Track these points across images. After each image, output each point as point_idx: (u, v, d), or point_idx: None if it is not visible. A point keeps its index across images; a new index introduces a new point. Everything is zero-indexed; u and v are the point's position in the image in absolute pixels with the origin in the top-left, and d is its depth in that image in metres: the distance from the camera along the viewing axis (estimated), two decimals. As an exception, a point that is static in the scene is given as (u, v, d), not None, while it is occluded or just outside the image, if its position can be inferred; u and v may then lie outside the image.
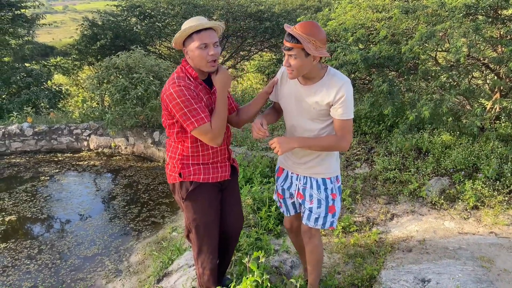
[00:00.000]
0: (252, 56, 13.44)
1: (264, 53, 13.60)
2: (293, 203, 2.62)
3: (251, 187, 4.58)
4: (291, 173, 2.52)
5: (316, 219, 2.43)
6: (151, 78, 6.91)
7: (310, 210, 2.43)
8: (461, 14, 4.03)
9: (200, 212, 2.44)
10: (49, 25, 12.76)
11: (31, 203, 5.49)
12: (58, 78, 14.08)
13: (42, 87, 10.97)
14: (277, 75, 2.47)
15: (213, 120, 2.24)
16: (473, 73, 5.41)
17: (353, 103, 2.22)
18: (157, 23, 10.73)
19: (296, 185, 2.49)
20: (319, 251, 2.57)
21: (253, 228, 3.79)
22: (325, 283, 2.91)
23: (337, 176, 2.47)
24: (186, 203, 2.44)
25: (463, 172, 4.36)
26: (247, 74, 14.44)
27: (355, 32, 4.86)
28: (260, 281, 2.48)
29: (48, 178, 6.45)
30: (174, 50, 12.76)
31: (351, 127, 2.27)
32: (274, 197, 2.77)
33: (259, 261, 2.57)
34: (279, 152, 2.19)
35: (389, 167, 4.73)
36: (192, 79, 2.29)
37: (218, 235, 2.58)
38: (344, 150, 2.27)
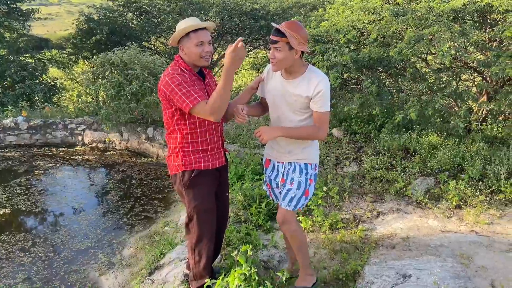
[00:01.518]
0: (248, 54, 13.51)
1: (259, 50, 13.67)
2: (280, 193, 2.79)
3: (242, 184, 4.68)
4: (277, 162, 2.74)
5: (291, 199, 2.62)
6: (146, 75, 6.98)
7: (288, 190, 2.63)
8: (449, 19, 4.15)
9: (200, 198, 2.61)
10: (44, 19, 12.75)
11: (25, 196, 5.56)
12: (53, 71, 14.08)
13: (37, 81, 10.98)
14: (263, 73, 2.71)
15: (212, 95, 2.36)
16: (462, 76, 5.54)
17: (329, 98, 2.46)
18: (152, 19, 10.77)
19: (282, 172, 2.71)
20: (298, 235, 2.74)
21: (243, 223, 3.90)
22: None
23: (315, 164, 2.71)
24: (188, 190, 2.59)
25: (447, 173, 4.49)
26: (242, 71, 14.51)
27: (347, 34, 4.96)
28: (247, 274, 2.58)
29: (42, 172, 6.52)
30: (169, 47, 12.81)
31: (328, 118, 2.54)
32: (264, 187, 2.98)
33: (247, 255, 2.68)
34: (264, 139, 2.42)
35: (377, 166, 4.85)
36: (186, 71, 2.48)
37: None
38: (321, 139, 2.57)
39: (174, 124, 2.54)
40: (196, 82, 2.49)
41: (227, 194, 2.93)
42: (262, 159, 5.46)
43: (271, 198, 2.96)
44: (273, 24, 2.40)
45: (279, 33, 2.30)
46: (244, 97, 2.72)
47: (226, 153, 2.85)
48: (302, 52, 2.41)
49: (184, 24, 2.43)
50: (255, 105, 2.80)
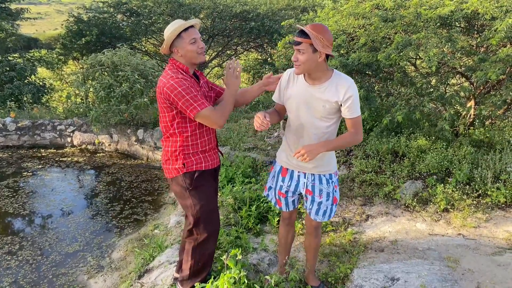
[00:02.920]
0: (239, 55, 13.54)
1: (250, 53, 13.71)
2: (293, 201, 2.81)
3: (232, 186, 4.69)
4: (298, 172, 2.66)
5: (324, 212, 2.64)
6: (136, 76, 6.96)
7: (319, 204, 2.62)
8: (436, 25, 4.21)
9: (205, 198, 2.66)
10: (34, 19, 12.64)
11: (13, 198, 5.50)
12: (42, 72, 13.95)
13: (25, 82, 10.87)
14: (282, 78, 2.64)
15: (219, 106, 2.51)
16: (450, 80, 5.62)
17: (359, 101, 2.43)
18: (143, 21, 10.74)
19: (304, 182, 2.65)
20: (320, 242, 2.89)
21: (233, 226, 3.91)
22: (301, 280, 3.05)
23: (336, 170, 2.71)
24: (193, 192, 2.62)
25: (435, 176, 4.55)
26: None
27: (337, 38, 5.01)
28: (237, 278, 2.59)
29: (30, 174, 6.46)
30: (160, 48, 12.78)
31: (361, 121, 2.50)
32: (270, 193, 2.87)
33: (237, 258, 2.69)
34: (307, 159, 2.32)
35: (366, 169, 4.90)
36: (184, 73, 2.51)
37: None
38: (359, 142, 2.52)
39: (175, 127, 2.55)
40: (194, 84, 2.51)
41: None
42: (252, 162, 5.50)
43: (278, 207, 2.86)
44: (297, 25, 2.35)
45: (303, 34, 2.24)
46: (254, 91, 2.76)
47: (220, 153, 2.90)
48: (327, 56, 2.34)
49: (172, 27, 2.46)
50: (272, 112, 2.69)
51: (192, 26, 2.51)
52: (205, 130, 2.63)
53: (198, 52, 2.49)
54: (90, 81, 7.41)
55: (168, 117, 2.53)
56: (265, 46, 12.52)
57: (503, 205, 4.11)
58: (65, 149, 7.86)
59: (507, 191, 4.10)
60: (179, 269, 2.96)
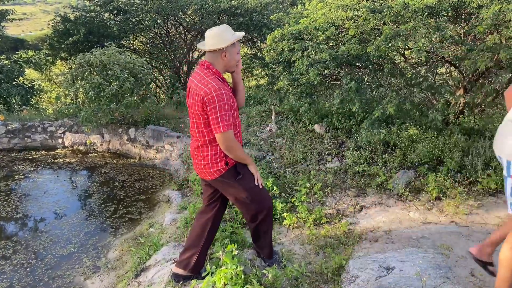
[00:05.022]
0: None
1: (240, 47, 13.67)
2: None
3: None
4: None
5: None
6: (126, 75, 6.91)
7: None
8: (424, 15, 4.23)
9: (252, 182, 2.81)
10: (19, 20, 12.47)
11: (5, 202, 5.46)
12: (30, 73, 13.79)
13: (13, 84, 10.75)
14: None
15: (239, 147, 2.69)
16: (439, 70, 5.66)
17: None
18: (131, 19, 10.64)
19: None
20: None
21: (228, 222, 3.91)
22: (297, 272, 3.07)
23: None
24: (241, 181, 2.76)
25: (427, 165, 4.59)
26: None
27: (326, 31, 5.01)
28: (234, 273, 2.60)
29: (22, 176, 6.40)
30: (149, 45, 12.69)
31: None
32: None
33: (233, 254, 2.70)
34: None
35: (358, 161, 4.92)
36: (220, 80, 2.64)
37: None
38: None
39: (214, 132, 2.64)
40: (228, 96, 2.60)
41: None
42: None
43: None
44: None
45: None
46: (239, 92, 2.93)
47: None
48: None
49: (233, 33, 2.64)
50: None
51: None
52: (238, 134, 2.78)
53: (238, 62, 2.74)
54: (79, 81, 7.35)
55: (206, 122, 2.61)
56: (254, 40, 12.48)
57: (494, 192, 4.16)
58: (57, 151, 7.80)
59: (498, 178, 4.15)
60: (183, 264, 3.00)
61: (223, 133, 2.53)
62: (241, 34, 2.72)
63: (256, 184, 2.82)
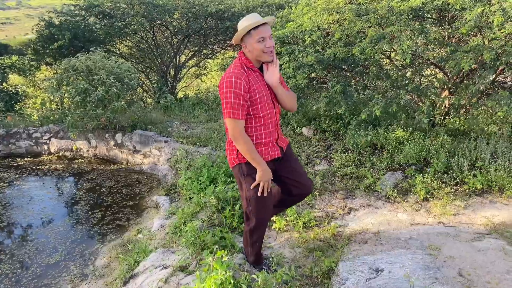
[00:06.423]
0: (216, 54, 13.46)
1: (227, 51, 13.64)
2: None
3: (215, 187, 4.66)
4: None
5: None
6: (112, 80, 6.84)
7: None
8: (408, 18, 4.28)
9: (255, 188, 2.74)
10: (2, 24, 12.28)
11: (-11, 210, 5.35)
12: (14, 78, 13.57)
13: (-4, 90, 10.56)
14: None
15: (250, 141, 2.62)
16: (424, 72, 5.72)
17: None
18: (116, 23, 10.56)
19: None
20: None
21: (217, 227, 3.89)
22: (287, 276, 3.06)
23: None
24: (246, 179, 2.75)
25: (414, 167, 4.63)
26: (211, 72, 14.46)
27: (312, 34, 5.03)
28: (223, 279, 2.58)
29: (7, 184, 6.29)
30: (135, 49, 12.59)
31: None
32: None
33: (223, 259, 2.68)
34: None
35: (346, 163, 4.95)
36: (246, 69, 2.60)
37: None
38: None
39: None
40: (255, 79, 2.60)
41: (293, 166, 2.96)
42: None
43: None
44: None
45: None
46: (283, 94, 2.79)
47: (282, 145, 2.88)
48: None
49: (246, 22, 2.52)
50: None
51: (264, 23, 2.53)
52: (263, 125, 2.68)
53: (264, 51, 2.54)
54: (64, 86, 7.25)
55: None
56: (240, 44, 12.44)
57: (480, 192, 4.22)
58: (42, 157, 7.68)
59: (483, 178, 4.21)
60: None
61: (227, 120, 2.55)
62: (255, 18, 2.52)
63: (261, 192, 2.72)
